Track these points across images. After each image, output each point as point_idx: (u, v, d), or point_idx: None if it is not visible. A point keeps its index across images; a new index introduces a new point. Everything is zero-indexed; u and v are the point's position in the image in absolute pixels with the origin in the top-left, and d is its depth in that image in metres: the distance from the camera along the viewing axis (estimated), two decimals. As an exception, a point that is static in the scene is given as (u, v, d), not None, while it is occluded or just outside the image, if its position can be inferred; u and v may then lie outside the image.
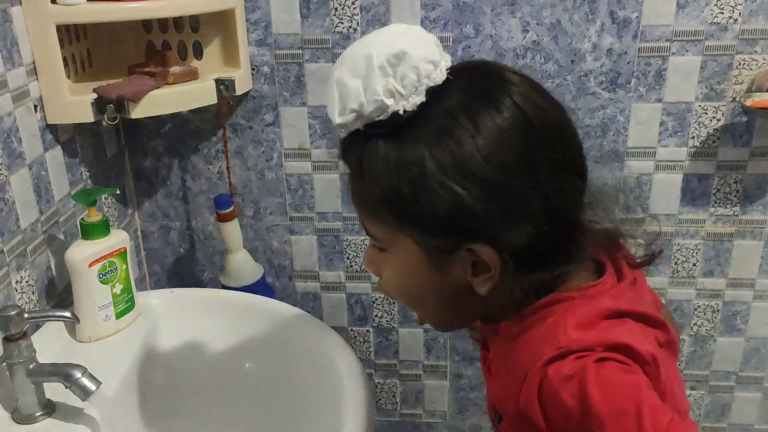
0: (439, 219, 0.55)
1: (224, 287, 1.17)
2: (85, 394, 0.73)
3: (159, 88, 0.98)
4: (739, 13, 1.04)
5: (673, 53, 1.07)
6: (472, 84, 0.57)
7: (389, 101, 0.55)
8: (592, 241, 0.60)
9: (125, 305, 0.94)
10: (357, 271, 1.26)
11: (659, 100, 1.10)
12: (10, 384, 0.75)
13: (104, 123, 1.08)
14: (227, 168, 1.17)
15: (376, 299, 1.28)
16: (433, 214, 0.55)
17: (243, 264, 1.17)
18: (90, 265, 0.88)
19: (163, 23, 1.09)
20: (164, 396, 0.96)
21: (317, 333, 0.96)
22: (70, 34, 1.00)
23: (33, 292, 0.91)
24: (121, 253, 0.92)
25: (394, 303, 1.28)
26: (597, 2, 1.05)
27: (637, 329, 0.57)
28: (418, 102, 0.55)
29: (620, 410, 0.50)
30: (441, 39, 1.09)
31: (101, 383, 0.74)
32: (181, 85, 1.01)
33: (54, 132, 0.96)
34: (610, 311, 0.57)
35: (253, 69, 1.13)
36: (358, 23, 1.09)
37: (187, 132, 1.19)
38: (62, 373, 0.73)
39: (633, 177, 1.15)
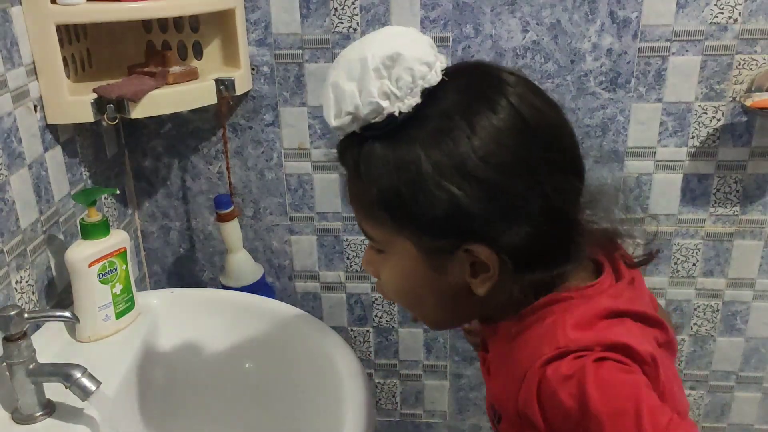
0: (436, 220, 0.55)
1: (224, 287, 1.17)
2: (85, 394, 0.73)
3: (159, 88, 0.98)
4: (739, 13, 1.04)
5: (673, 53, 1.07)
6: (468, 85, 0.57)
7: (384, 103, 0.55)
8: (590, 241, 0.60)
9: (125, 305, 0.94)
10: (357, 271, 1.26)
11: (659, 100, 1.10)
12: (10, 384, 0.75)
13: (104, 123, 1.08)
14: (227, 168, 1.17)
15: (376, 299, 1.28)
16: (431, 215, 0.55)
17: (243, 264, 1.17)
18: (90, 265, 0.88)
19: (163, 23, 1.09)
20: (164, 396, 0.96)
21: (317, 333, 0.96)
22: (69, 34, 1.00)
23: (33, 292, 0.91)
24: (121, 253, 0.92)
25: (394, 303, 1.28)
26: (597, 2, 1.05)
27: (636, 329, 0.57)
28: (414, 103, 0.55)
29: (619, 410, 0.50)
30: (441, 39, 1.09)
31: (101, 383, 0.74)
32: (181, 85, 1.01)
33: (54, 132, 0.96)
34: (609, 311, 0.57)
35: (253, 69, 1.13)
36: (357, 23, 1.09)
37: (187, 132, 1.19)
38: (62, 373, 0.73)
39: (633, 177, 1.15)
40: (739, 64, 1.07)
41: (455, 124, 0.54)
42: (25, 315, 0.74)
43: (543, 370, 0.54)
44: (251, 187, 1.22)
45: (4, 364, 0.75)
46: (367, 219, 0.61)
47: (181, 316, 1.00)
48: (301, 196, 1.22)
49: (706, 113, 1.10)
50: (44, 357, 0.79)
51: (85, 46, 1.05)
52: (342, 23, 1.09)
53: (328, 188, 1.21)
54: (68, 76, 0.96)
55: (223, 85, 1.04)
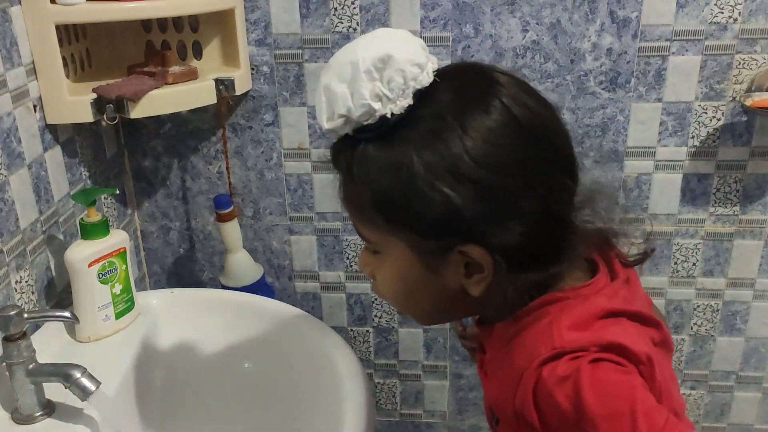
0: (430, 221, 0.55)
1: (224, 287, 1.17)
2: (84, 394, 0.73)
3: (158, 88, 0.98)
4: (739, 13, 1.04)
5: (673, 53, 1.07)
6: (460, 86, 0.57)
7: (377, 105, 0.55)
8: (584, 241, 0.60)
9: (125, 305, 0.94)
10: (357, 271, 1.26)
11: (659, 100, 1.10)
12: (10, 384, 0.75)
13: (104, 123, 1.08)
14: (227, 168, 1.17)
15: (376, 299, 1.28)
16: (424, 217, 0.55)
17: (243, 264, 1.17)
18: (89, 265, 0.89)
19: (162, 23, 1.09)
20: (164, 396, 0.96)
21: (317, 333, 0.96)
22: (69, 33, 1.00)
23: (32, 292, 0.91)
24: (121, 253, 0.92)
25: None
26: (597, 2, 1.05)
27: (632, 328, 0.57)
28: (406, 105, 0.55)
29: (615, 412, 0.50)
30: (441, 39, 1.09)
31: (101, 383, 0.74)
32: (180, 85, 1.01)
33: (53, 132, 0.96)
34: (605, 311, 0.57)
35: (252, 69, 1.13)
36: (357, 23, 1.09)
37: (186, 132, 1.19)
38: (62, 373, 0.73)
39: (632, 177, 1.15)
40: (739, 64, 1.07)
41: (448, 125, 0.54)
42: (25, 315, 0.74)
43: (539, 371, 0.54)
44: (251, 187, 1.22)
45: (4, 364, 0.75)
46: (362, 221, 0.61)
47: (180, 316, 1.00)
48: (301, 196, 1.22)
49: (706, 113, 1.10)
50: (44, 357, 0.79)
51: (85, 46, 1.05)
52: (342, 23, 1.09)
53: (328, 188, 1.20)
54: (68, 76, 0.96)
55: (223, 85, 1.04)
